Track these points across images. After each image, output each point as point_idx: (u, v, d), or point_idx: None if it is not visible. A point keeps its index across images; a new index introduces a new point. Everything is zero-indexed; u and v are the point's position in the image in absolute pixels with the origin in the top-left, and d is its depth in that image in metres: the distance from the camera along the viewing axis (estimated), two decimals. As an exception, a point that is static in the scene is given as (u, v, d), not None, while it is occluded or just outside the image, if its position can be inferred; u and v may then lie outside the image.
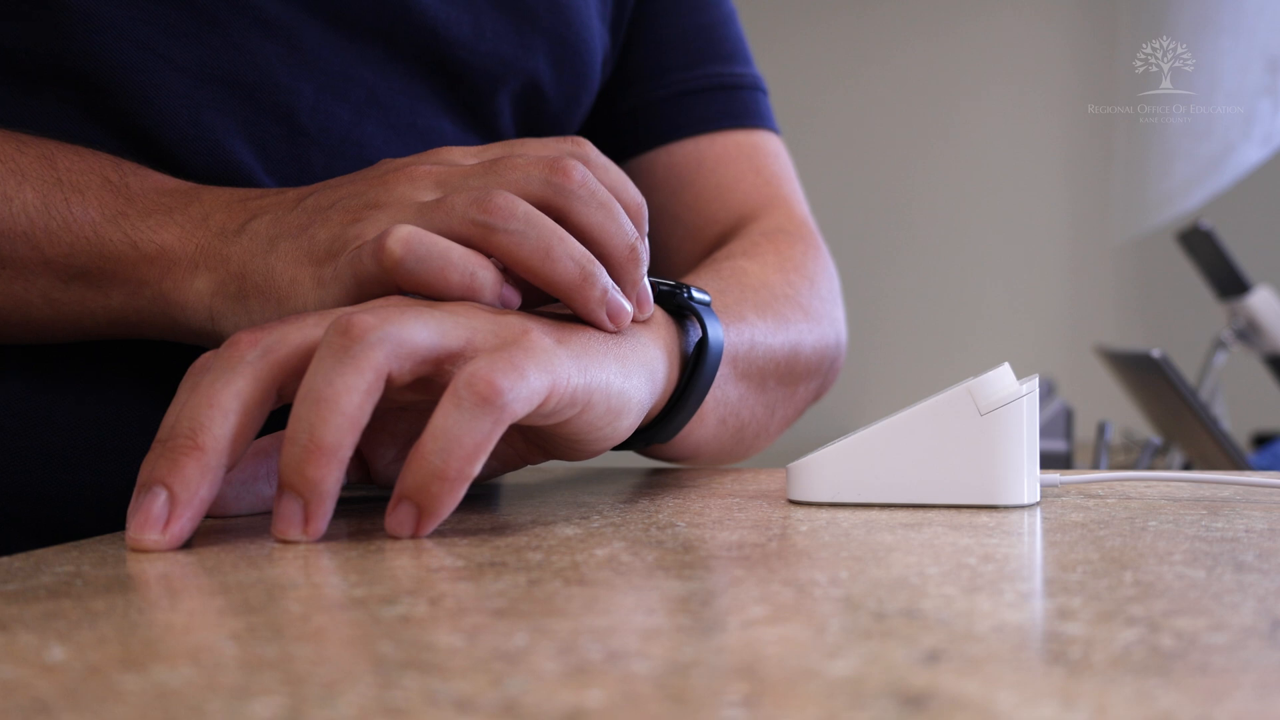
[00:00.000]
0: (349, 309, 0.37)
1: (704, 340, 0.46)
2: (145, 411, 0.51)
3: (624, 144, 0.68)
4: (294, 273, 0.42)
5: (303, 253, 0.42)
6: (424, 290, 0.39)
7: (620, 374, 0.41)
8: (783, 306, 0.56)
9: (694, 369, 0.46)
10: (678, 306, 0.47)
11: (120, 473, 0.51)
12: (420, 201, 0.42)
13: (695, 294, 0.47)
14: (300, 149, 0.54)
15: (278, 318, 0.42)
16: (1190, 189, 2.05)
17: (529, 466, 0.48)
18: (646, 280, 0.44)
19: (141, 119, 0.50)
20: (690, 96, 0.67)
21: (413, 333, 0.36)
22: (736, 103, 0.68)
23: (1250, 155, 1.87)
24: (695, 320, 0.47)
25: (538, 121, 0.62)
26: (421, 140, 0.57)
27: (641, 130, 0.67)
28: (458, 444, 0.34)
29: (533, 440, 0.44)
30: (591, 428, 0.41)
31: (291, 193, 0.46)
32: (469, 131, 0.59)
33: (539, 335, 0.38)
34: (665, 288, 0.47)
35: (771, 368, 0.54)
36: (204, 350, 0.45)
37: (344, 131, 0.55)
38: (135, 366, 0.50)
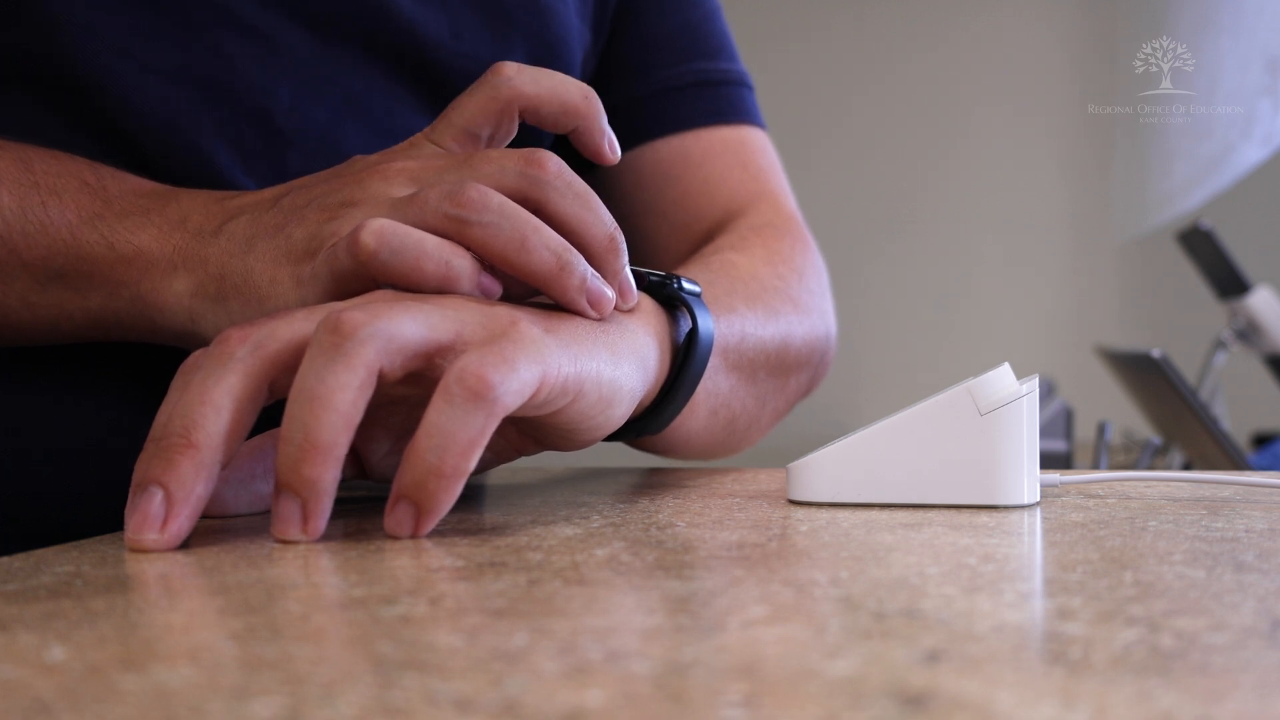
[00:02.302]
0: (338, 305, 0.37)
1: (694, 330, 0.46)
2: (141, 411, 0.51)
3: None
4: (273, 272, 0.42)
5: (280, 252, 0.42)
6: (400, 282, 0.39)
7: (611, 363, 0.41)
8: (772, 298, 0.56)
9: (685, 359, 0.46)
10: (668, 297, 0.47)
11: (119, 472, 0.51)
12: (395, 197, 0.42)
13: (685, 284, 0.47)
14: (278, 150, 0.54)
15: (259, 317, 0.42)
16: (1190, 189, 2.06)
17: (529, 468, 0.48)
18: (628, 270, 0.44)
19: (121, 122, 0.50)
20: (675, 93, 0.67)
21: (402, 327, 0.36)
22: (721, 99, 0.68)
23: (1250, 155, 1.87)
24: (685, 311, 0.47)
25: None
26: (399, 140, 0.57)
27: (626, 127, 0.67)
28: (452, 440, 0.34)
29: (525, 431, 0.44)
30: (583, 417, 0.41)
31: (268, 192, 0.46)
32: None
33: (528, 325, 0.38)
34: (655, 278, 0.47)
35: (762, 359, 0.54)
36: (187, 352, 0.46)
37: (321, 132, 0.55)
38: (130, 367, 0.50)
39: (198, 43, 0.51)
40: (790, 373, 0.58)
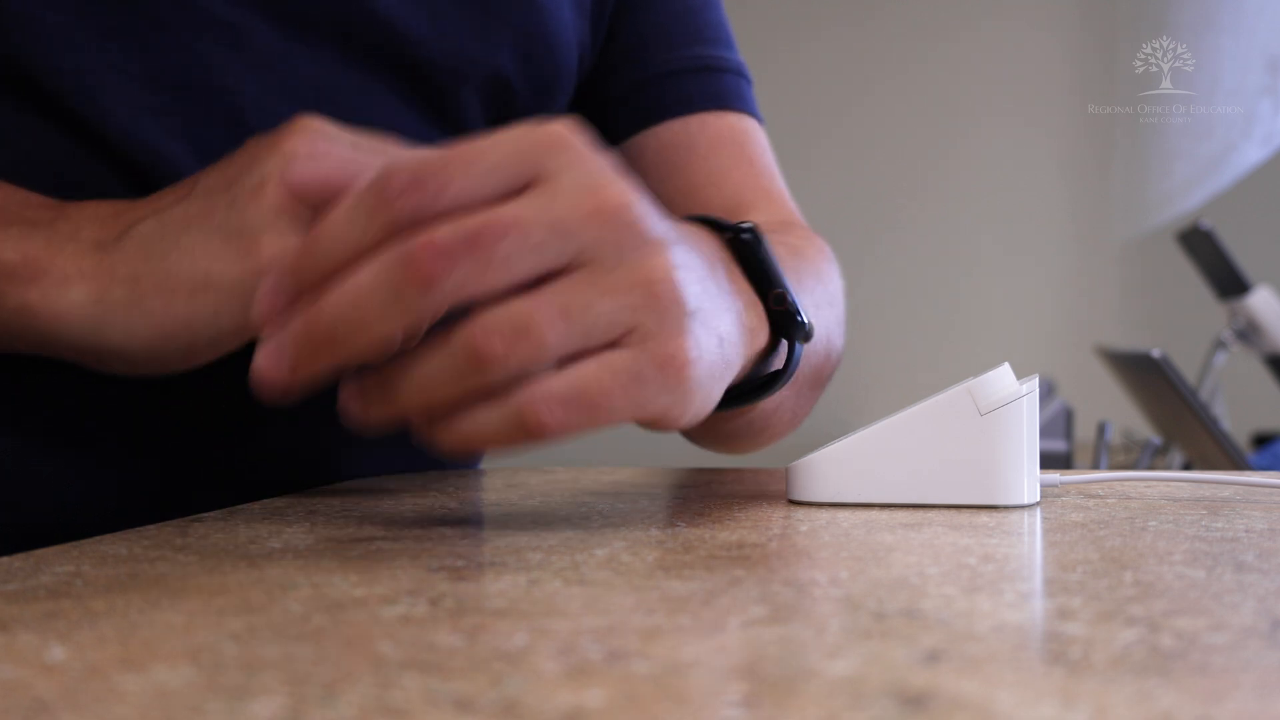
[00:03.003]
0: (498, 313, 0.32)
1: (789, 363, 0.44)
2: (142, 411, 0.51)
3: (611, 129, 0.67)
4: (207, 265, 0.42)
5: (211, 240, 0.42)
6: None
7: (720, 381, 0.37)
8: (825, 308, 0.54)
9: (773, 380, 0.44)
10: (785, 325, 0.43)
11: (119, 472, 0.51)
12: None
13: (804, 318, 0.44)
14: None
15: (186, 314, 0.42)
16: (1190, 189, 2.06)
17: (529, 468, 0.47)
18: None
19: (88, 122, 0.50)
20: (673, 77, 0.66)
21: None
22: (719, 84, 0.67)
23: (1250, 155, 1.87)
24: (791, 337, 0.44)
25: (508, 116, 0.61)
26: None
27: (626, 114, 0.66)
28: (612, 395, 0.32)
29: None
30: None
31: (167, 196, 0.45)
32: (433, 128, 0.58)
33: (701, 347, 0.34)
34: (778, 304, 0.43)
35: (810, 371, 0.52)
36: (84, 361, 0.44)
37: None
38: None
39: (163, 41, 0.51)
40: (824, 384, 0.56)
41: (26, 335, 0.44)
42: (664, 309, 0.33)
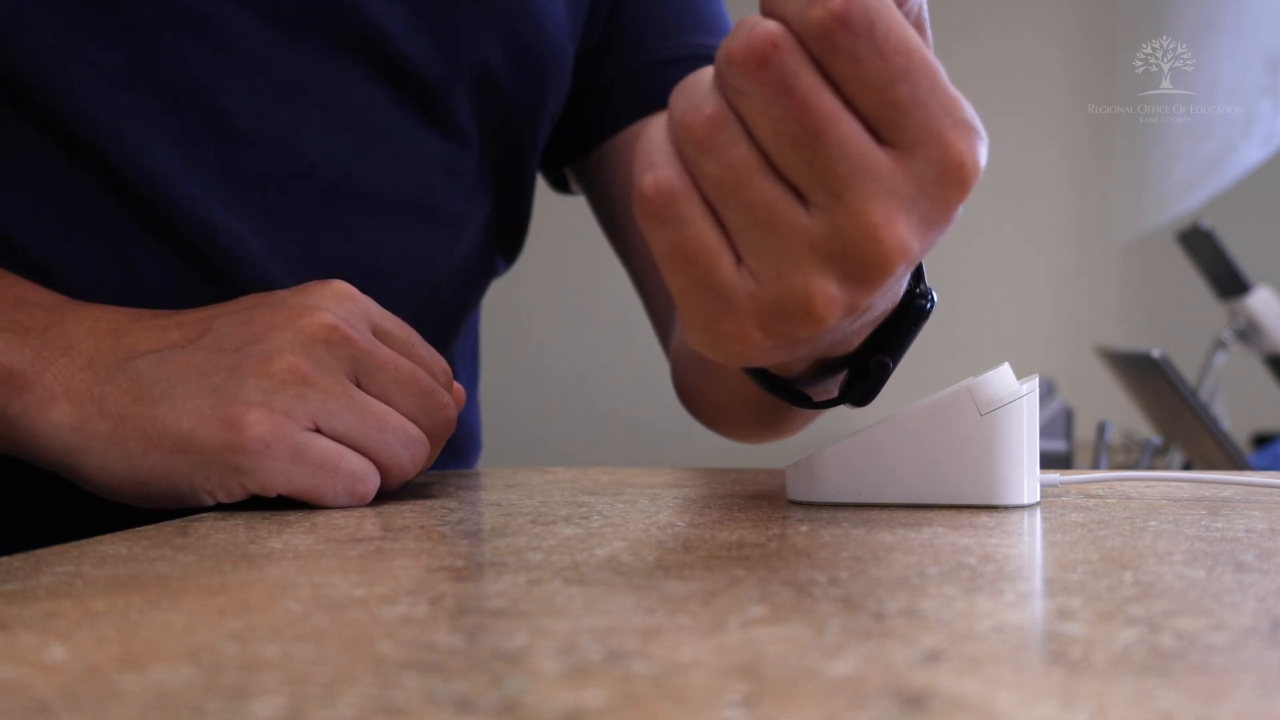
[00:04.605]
0: None
1: (886, 367, 0.43)
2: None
3: (603, 119, 0.66)
4: (204, 429, 0.42)
5: (210, 402, 0.42)
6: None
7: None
8: None
9: (871, 387, 0.43)
10: (915, 311, 0.43)
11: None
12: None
13: (928, 307, 0.44)
14: (230, 151, 0.52)
15: (163, 467, 0.43)
16: (1190, 189, 2.05)
17: (529, 468, 0.47)
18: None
19: (67, 122, 0.50)
20: (668, 65, 0.65)
21: None
22: None
23: (1250, 155, 1.87)
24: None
25: (497, 112, 0.61)
26: (365, 137, 0.56)
27: (617, 103, 0.66)
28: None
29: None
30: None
31: (174, 332, 0.45)
32: (420, 126, 0.58)
33: None
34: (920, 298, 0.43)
35: None
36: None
37: (276, 132, 0.53)
38: None
39: (142, 40, 0.50)
40: None
41: (3, 441, 0.44)
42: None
